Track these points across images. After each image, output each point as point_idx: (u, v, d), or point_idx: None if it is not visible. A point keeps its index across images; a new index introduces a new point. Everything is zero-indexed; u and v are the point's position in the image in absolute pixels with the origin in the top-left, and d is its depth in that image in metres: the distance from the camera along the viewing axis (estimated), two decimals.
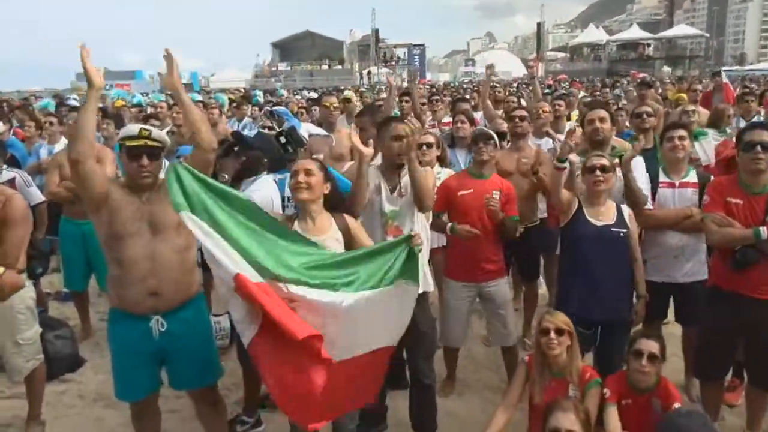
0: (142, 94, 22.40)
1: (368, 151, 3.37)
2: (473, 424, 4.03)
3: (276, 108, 8.00)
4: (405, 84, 20.53)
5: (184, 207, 2.71)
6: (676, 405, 3.16)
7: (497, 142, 4.29)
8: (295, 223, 3.15)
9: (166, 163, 4.45)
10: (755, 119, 6.44)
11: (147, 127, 3.07)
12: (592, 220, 3.71)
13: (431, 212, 3.92)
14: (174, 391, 3.67)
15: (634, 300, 3.80)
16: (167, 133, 7.04)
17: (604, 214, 3.73)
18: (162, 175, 3.09)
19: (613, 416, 3.20)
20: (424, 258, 3.04)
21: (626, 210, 3.79)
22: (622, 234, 3.68)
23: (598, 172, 3.66)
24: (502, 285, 4.31)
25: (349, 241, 3.18)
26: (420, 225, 3.63)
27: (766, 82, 21.74)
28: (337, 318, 2.79)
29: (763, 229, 3.29)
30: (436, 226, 4.16)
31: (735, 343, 3.60)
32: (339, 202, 3.29)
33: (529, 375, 3.41)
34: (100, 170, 3.06)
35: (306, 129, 5.65)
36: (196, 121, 3.04)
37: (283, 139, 4.14)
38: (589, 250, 3.70)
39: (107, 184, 3.02)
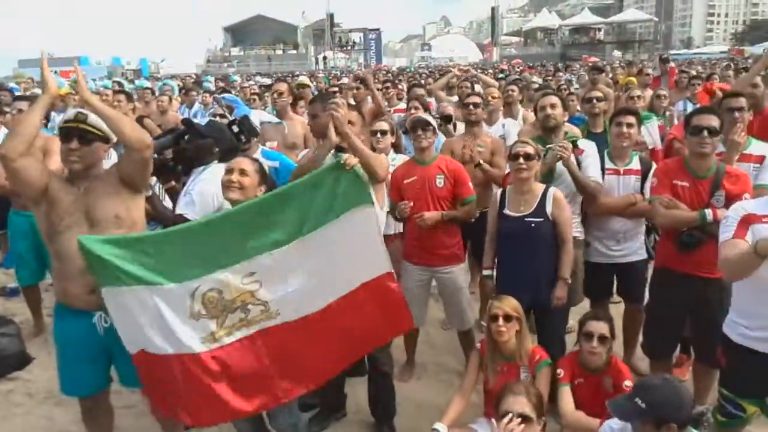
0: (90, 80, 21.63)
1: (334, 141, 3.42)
2: (431, 408, 4.07)
3: (224, 95, 7.82)
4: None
5: (103, 283, 2.76)
6: (627, 383, 3.25)
7: (435, 127, 4.28)
8: None
9: (114, 154, 4.33)
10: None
11: (84, 111, 2.97)
12: (510, 213, 3.76)
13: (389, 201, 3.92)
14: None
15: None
16: None
17: (527, 202, 3.73)
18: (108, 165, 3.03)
19: (566, 395, 3.29)
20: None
21: (551, 195, 3.73)
22: (534, 224, 3.67)
23: (521, 160, 3.66)
24: (457, 271, 4.33)
25: None
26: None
27: (712, 65, 22.39)
28: (296, 271, 2.86)
29: (708, 212, 3.39)
30: (394, 215, 4.19)
31: (683, 322, 3.72)
32: None
33: (482, 360, 3.47)
34: (38, 164, 2.96)
35: (257, 116, 5.54)
36: (115, 124, 2.90)
37: (236, 128, 4.06)
38: (508, 242, 3.79)
39: (47, 177, 2.93)
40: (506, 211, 3.78)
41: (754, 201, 2.98)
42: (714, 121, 3.47)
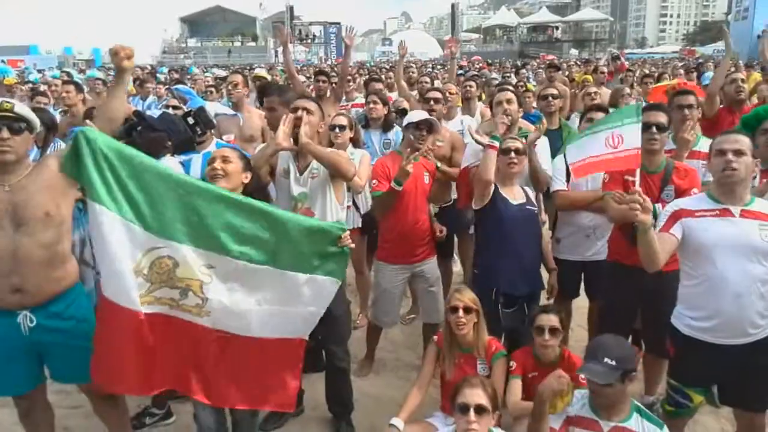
0: (38, 71, 20.89)
1: (285, 142, 3.41)
2: (390, 403, 4.08)
3: (177, 87, 7.63)
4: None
5: (95, 197, 2.63)
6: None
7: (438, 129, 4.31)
8: None
9: (60, 143, 4.18)
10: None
11: (10, 100, 2.81)
12: (510, 200, 3.82)
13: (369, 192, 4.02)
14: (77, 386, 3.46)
15: None
16: (59, 112, 6.59)
17: (517, 194, 3.87)
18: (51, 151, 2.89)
19: (515, 387, 3.35)
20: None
21: (531, 191, 3.98)
22: (536, 211, 3.90)
23: (512, 155, 3.78)
24: (432, 263, 4.37)
25: None
26: (333, 207, 3.59)
27: (664, 65, 23.05)
28: (246, 291, 2.83)
29: (658, 206, 3.46)
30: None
31: (634, 315, 3.80)
32: (257, 192, 3.17)
33: (440, 352, 3.49)
34: None
35: (212, 108, 5.42)
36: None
37: (191, 120, 3.96)
38: (512, 228, 3.81)
39: None
40: (507, 198, 3.82)
41: (688, 198, 3.12)
42: (662, 118, 3.58)
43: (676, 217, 2.92)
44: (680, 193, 3.48)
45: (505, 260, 3.79)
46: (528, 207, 3.86)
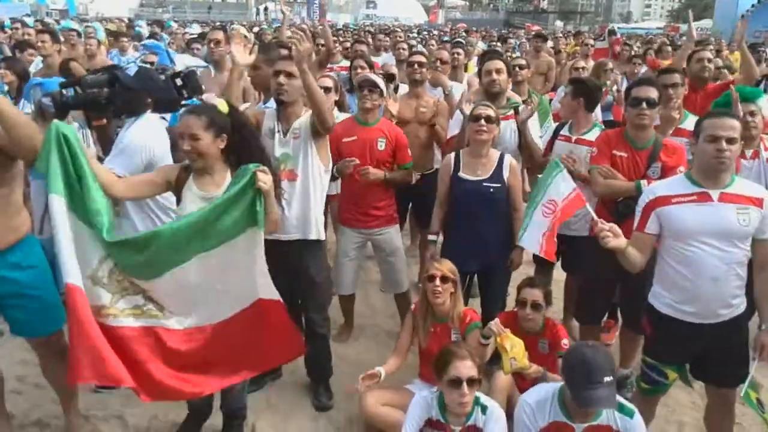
0: (11, 19, 20.06)
1: (245, 59, 3.38)
2: (367, 367, 3.99)
3: (146, 42, 7.37)
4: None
5: (57, 190, 2.51)
6: (564, 341, 3.41)
7: (384, 90, 4.17)
8: (190, 177, 2.88)
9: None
10: None
11: None
12: (467, 176, 3.74)
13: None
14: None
15: None
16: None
17: (483, 167, 3.74)
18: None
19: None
20: (271, 199, 2.73)
21: (507, 162, 3.78)
22: (492, 189, 3.70)
23: (482, 122, 3.65)
24: (392, 233, 4.30)
25: None
26: (316, 168, 3.50)
27: (649, 41, 22.96)
28: (192, 286, 2.71)
29: (644, 182, 3.47)
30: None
31: (614, 290, 3.84)
32: (244, 146, 2.95)
33: (416, 320, 3.50)
34: None
35: (181, 60, 5.24)
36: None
37: (179, 82, 3.78)
38: (466, 204, 3.76)
39: None
40: (462, 175, 3.75)
41: (666, 181, 3.06)
42: (653, 93, 3.55)
43: (650, 208, 2.85)
44: (667, 170, 3.48)
45: (456, 235, 3.77)
46: (486, 183, 3.70)
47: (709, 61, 5.38)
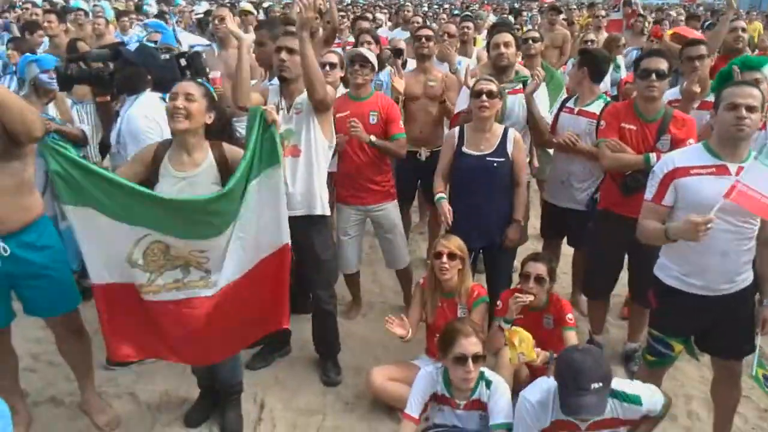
0: None
1: (247, 37, 3.31)
2: (376, 344, 4.14)
3: (148, 21, 7.32)
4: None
5: (70, 200, 2.59)
6: (569, 316, 3.38)
7: (374, 65, 4.13)
8: (167, 155, 2.88)
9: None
10: None
11: None
12: (470, 151, 3.70)
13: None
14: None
15: None
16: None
17: (487, 141, 3.69)
18: None
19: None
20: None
21: (511, 136, 3.73)
22: (496, 164, 3.66)
23: (484, 97, 3.59)
24: (389, 208, 4.27)
25: (227, 172, 2.85)
26: (319, 143, 3.49)
27: (659, 10, 22.43)
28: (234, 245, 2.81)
29: (653, 156, 3.42)
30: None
31: (621, 263, 3.81)
32: (221, 132, 3.03)
33: (424, 295, 3.51)
34: None
35: (186, 39, 5.19)
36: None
37: (183, 62, 3.77)
38: (469, 179, 3.72)
39: None
40: (465, 149, 3.72)
41: (684, 151, 2.94)
42: (662, 65, 3.47)
43: (670, 178, 2.76)
44: (676, 142, 3.41)
45: (460, 211, 3.71)
46: (488, 158, 3.65)
47: (744, 30, 5.18)
